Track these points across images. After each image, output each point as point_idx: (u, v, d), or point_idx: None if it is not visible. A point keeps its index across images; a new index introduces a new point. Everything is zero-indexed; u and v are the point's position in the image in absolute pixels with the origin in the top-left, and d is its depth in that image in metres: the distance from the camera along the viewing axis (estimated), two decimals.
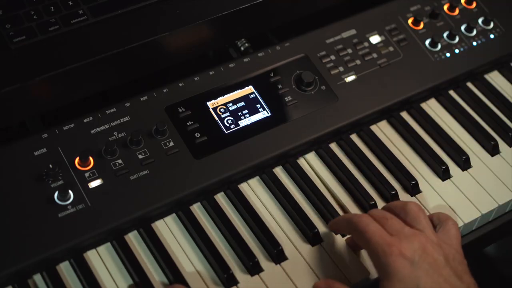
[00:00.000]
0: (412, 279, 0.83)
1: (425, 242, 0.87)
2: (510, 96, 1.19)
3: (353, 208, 1.02)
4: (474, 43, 1.21)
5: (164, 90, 1.06)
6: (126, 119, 1.02)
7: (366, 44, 1.16)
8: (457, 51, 1.19)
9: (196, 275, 0.94)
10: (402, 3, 1.22)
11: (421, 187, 1.05)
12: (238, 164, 1.02)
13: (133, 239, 0.97)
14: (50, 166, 0.94)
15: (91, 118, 1.01)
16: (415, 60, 1.17)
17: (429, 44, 1.18)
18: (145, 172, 0.99)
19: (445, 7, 1.23)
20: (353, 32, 1.17)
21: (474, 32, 1.21)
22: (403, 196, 1.04)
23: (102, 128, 1.01)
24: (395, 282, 0.84)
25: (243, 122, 1.05)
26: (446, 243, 0.90)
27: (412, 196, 1.04)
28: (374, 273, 0.96)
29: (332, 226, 0.99)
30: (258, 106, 1.07)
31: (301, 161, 1.07)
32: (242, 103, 1.07)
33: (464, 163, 1.08)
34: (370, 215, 0.92)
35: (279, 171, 1.05)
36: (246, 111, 1.06)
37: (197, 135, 1.03)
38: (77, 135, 1.00)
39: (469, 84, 1.19)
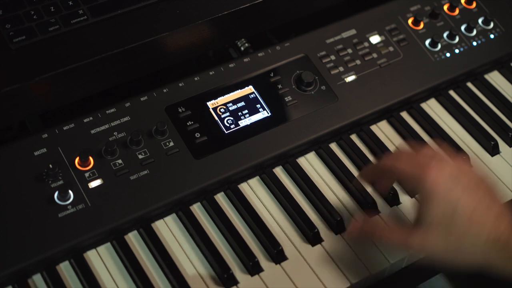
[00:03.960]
0: (450, 200, 0.86)
1: (456, 166, 0.90)
2: (510, 96, 1.19)
3: (353, 208, 1.02)
4: (474, 43, 1.21)
5: (164, 90, 1.06)
6: (126, 119, 1.02)
7: (366, 44, 1.16)
8: (457, 51, 1.19)
9: (196, 275, 0.94)
10: (402, 3, 1.22)
11: None
12: (238, 164, 1.02)
13: (133, 239, 0.97)
14: (50, 166, 0.94)
15: (91, 118, 1.01)
16: (415, 60, 1.17)
17: (429, 44, 1.18)
18: (145, 172, 0.99)
19: (445, 7, 1.23)
20: (353, 32, 1.17)
21: (474, 32, 1.21)
22: (403, 196, 1.04)
23: (102, 128, 1.01)
24: (433, 206, 0.87)
25: (243, 122, 1.05)
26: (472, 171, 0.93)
27: (412, 197, 1.04)
28: (374, 273, 0.96)
29: (362, 178, 1.01)
30: (258, 106, 1.07)
31: (301, 161, 1.07)
32: (242, 103, 1.07)
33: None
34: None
35: (279, 171, 1.05)
36: (246, 111, 1.06)
37: (197, 135, 1.03)
38: (77, 135, 1.00)
39: (469, 84, 1.19)
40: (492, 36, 1.22)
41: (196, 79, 1.08)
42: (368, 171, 1.01)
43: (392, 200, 1.03)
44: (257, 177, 1.04)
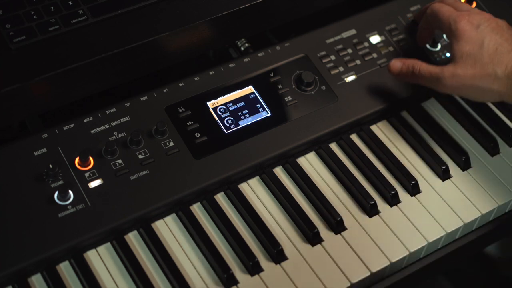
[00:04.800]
0: (478, 37, 1.02)
1: (489, 15, 1.06)
2: None
3: (353, 208, 1.02)
4: None
5: (164, 90, 1.06)
6: (126, 119, 1.02)
7: (366, 44, 1.16)
8: None
9: (196, 275, 0.94)
10: (402, 3, 1.22)
11: (421, 187, 1.05)
12: (238, 164, 1.02)
13: (133, 239, 0.97)
14: (50, 166, 0.94)
15: (91, 118, 1.01)
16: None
17: (429, 44, 1.18)
18: (145, 172, 0.99)
19: None
20: (353, 32, 1.17)
21: None
22: (403, 196, 1.04)
23: (102, 128, 1.01)
24: (463, 43, 1.03)
25: (243, 122, 1.05)
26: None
27: (412, 196, 1.04)
28: (374, 273, 0.96)
29: (417, 15, 1.18)
30: (258, 106, 1.07)
31: (301, 161, 1.07)
32: (242, 103, 1.07)
33: (464, 163, 1.08)
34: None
35: (279, 171, 1.05)
36: (246, 111, 1.06)
37: (197, 135, 1.03)
38: (77, 135, 1.00)
39: None
40: None
41: (196, 79, 1.08)
42: (420, 12, 1.17)
43: (392, 200, 1.03)
44: (257, 177, 1.04)
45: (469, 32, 1.03)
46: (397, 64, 1.09)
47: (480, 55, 1.01)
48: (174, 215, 0.99)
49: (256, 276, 0.95)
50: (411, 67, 1.07)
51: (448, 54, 1.18)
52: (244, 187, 1.03)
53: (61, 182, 0.96)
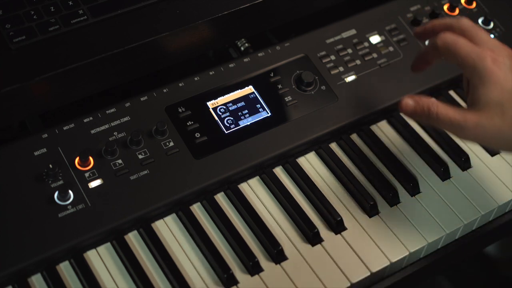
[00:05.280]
0: (507, 81, 0.88)
1: (510, 49, 0.92)
2: None
3: (353, 208, 1.02)
4: None
5: (164, 90, 1.06)
6: (126, 119, 1.02)
7: (366, 44, 1.16)
8: None
9: (196, 275, 0.94)
10: (402, 3, 1.22)
11: (421, 187, 1.05)
12: (238, 164, 1.02)
13: (133, 239, 0.97)
14: (50, 166, 0.94)
15: (91, 118, 1.01)
16: None
17: None
18: (145, 172, 0.99)
19: (445, 7, 1.23)
20: (353, 32, 1.17)
21: None
22: (403, 196, 1.04)
23: (102, 128, 1.01)
24: (491, 85, 0.88)
25: (243, 122, 1.05)
26: None
27: (412, 196, 1.04)
28: (374, 273, 0.96)
29: (418, 61, 1.01)
30: (258, 106, 1.07)
31: (301, 161, 1.07)
32: (242, 103, 1.07)
33: (464, 163, 1.08)
34: (450, 27, 0.96)
35: (279, 171, 1.05)
36: (246, 111, 1.06)
37: (197, 135, 1.03)
38: (77, 135, 1.00)
39: None
40: (492, 36, 1.22)
41: (196, 79, 1.08)
42: (424, 30, 1.01)
43: (392, 200, 1.03)
44: (257, 177, 1.04)
45: (497, 74, 0.89)
46: (409, 103, 0.96)
47: (510, 105, 0.88)
48: (174, 215, 0.99)
49: (256, 276, 0.95)
50: (427, 108, 0.94)
51: None
52: (244, 187, 1.03)
53: (61, 182, 0.96)
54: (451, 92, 1.18)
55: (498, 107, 0.88)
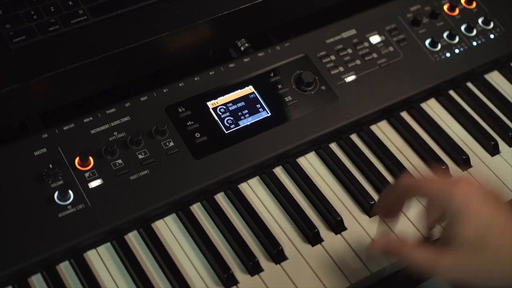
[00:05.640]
0: (482, 218, 0.81)
1: (477, 184, 0.85)
2: (510, 96, 1.19)
3: (353, 208, 1.02)
4: (474, 43, 1.21)
5: (164, 90, 1.06)
6: (126, 119, 1.02)
7: (366, 44, 1.16)
8: (457, 51, 1.19)
9: (196, 275, 0.94)
10: (402, 3, 1.22)
11: None
12: (238, 164, 1.02)
13: (133, 239, 0.97)
14: (50, 166, 0.94)
15: (91, 118, 1.01)
16: (415, 60, 1.17)
17: (429, 44, 1.18)
18: (145, 172, 0.99)
19: (445, 7, 1.23)
20: (353, 32, 1.17)
21: (474, 32, 1.21)
22: None
23: (102, 128, 1.01)
24: (465, 223, 0.81)
25: (243, 122, 1.05)
26: None
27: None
28: (374, 273, 0.96)
29: (379, 206, 0.96)
30: (258, 106, 1.07)
31: (301, 161, 1.07)
32: (242, 103, 1.07)
33: (464, 163, 1.08)
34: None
35: (279, 171, 1.05)
36: (246, 111, 1.06)
37: (197, 135, 1.03)
38: (77, 135, 1.00)
39: (469, 84, 1.19)
40: (492, 36, 1.22)
41: (196, 79, 1.08)
42: (387, 196, 0.93)
43: None
44: (257, 177, 1.04)
45: (471, 210, 0.81)
46: (379, 244, 0.90)
47: (486, 244, 0.80)
48: (174, 215, 0.99)
49: (256, 276, 0.95)
50: (397, 251, 0.87)
51: (448, 54, 1.18)
52: (244, 187, 1.03)
53: (61, 182, 0.96)
54: (451, 92, 1.18)
55: (475, 247, 0.81)
